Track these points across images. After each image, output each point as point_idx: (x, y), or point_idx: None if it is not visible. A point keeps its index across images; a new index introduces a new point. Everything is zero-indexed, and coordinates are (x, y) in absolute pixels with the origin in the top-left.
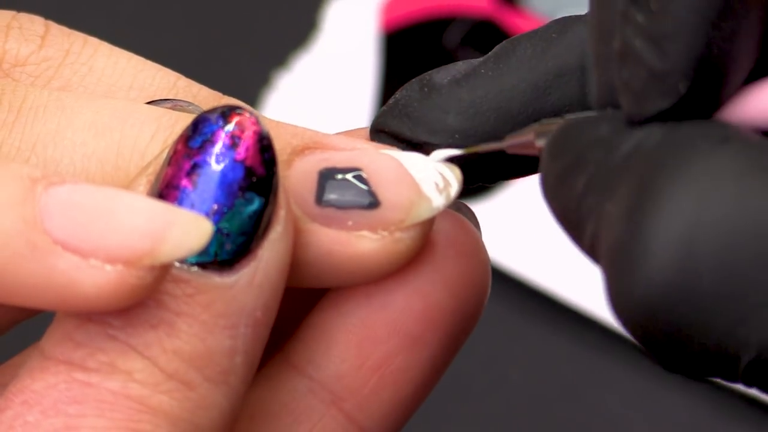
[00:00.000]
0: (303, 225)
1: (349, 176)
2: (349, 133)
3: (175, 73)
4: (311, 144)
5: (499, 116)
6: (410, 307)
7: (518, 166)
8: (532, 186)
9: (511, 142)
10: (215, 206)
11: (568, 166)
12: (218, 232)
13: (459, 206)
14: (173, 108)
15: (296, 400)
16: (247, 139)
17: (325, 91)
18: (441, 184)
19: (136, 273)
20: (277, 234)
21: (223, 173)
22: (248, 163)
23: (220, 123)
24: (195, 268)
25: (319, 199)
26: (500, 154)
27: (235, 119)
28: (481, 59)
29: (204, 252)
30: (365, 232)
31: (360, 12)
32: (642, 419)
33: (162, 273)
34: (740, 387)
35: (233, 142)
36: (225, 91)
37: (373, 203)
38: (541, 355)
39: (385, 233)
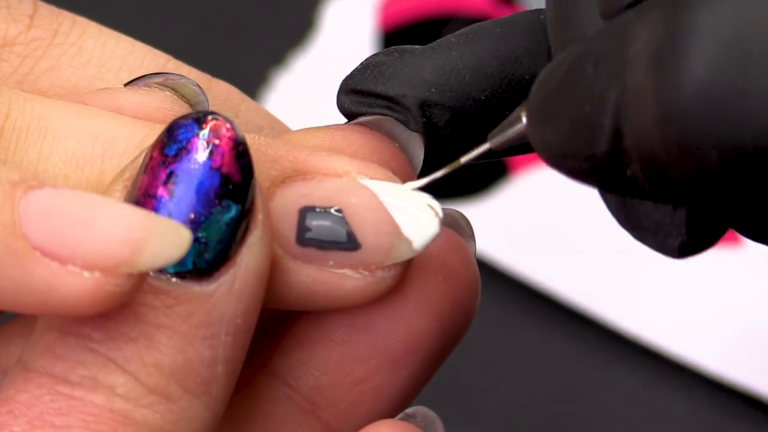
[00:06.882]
0: (285, 263)
1: (329, 212)
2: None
3: (164, 55)
4: (291, 173)
5: (474, 75)
6: (394, 331)
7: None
8: (532, 184)
9: (500, 138)
10: (192, 215)
11: (571, 66)
12: (196, 241)
13: (453, 216)
14: (164, 82)
15: (275, 406)
16: (223, 145)
17: (323, 91)
18: (422, 221)
19: (114, 280)
20: (255, 238)
21: (200, 182)
22: (224, 170)
23: (195, 129)
24: (174, 279)
25: (300, 238)
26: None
27: (210, 125)
28: (449, 35)
29: (182, 262)
30: (347, 270)
31: (358, 11)
32: (641, 418)
33: (140, 280)
34: (740, 387)
35: (209, 149)
36: None
37: (354, 246)
38: (540, 354)
39: (366, 273)
